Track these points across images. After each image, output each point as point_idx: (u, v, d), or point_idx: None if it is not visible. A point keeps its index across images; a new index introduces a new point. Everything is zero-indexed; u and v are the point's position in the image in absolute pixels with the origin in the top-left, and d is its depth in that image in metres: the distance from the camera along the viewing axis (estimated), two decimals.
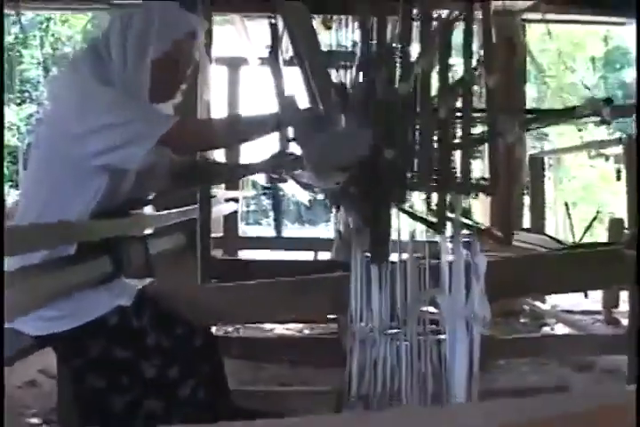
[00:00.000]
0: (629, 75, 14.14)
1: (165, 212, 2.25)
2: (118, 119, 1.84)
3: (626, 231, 4.71)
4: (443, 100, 1.43)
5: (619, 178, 3.26)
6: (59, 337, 1.86)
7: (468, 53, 1.41)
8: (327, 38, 5.66)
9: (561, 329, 4.86)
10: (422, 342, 1.97)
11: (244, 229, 7.31)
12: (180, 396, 1.95)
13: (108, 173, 1.91)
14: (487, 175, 1.50)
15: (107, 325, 1.88)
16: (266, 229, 11.74)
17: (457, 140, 1.47)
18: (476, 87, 1.52)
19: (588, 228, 4.62)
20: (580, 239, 4.61)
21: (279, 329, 4.64)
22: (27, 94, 13.34)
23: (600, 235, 6.45)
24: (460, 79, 1.46)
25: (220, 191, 5.21)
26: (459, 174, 1.51)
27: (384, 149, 1.55)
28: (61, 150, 1.88)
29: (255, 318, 2.95)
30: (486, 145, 1.47)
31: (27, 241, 1.33)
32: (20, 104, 13.21)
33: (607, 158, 13.06)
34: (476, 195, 1.45)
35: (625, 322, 4.89)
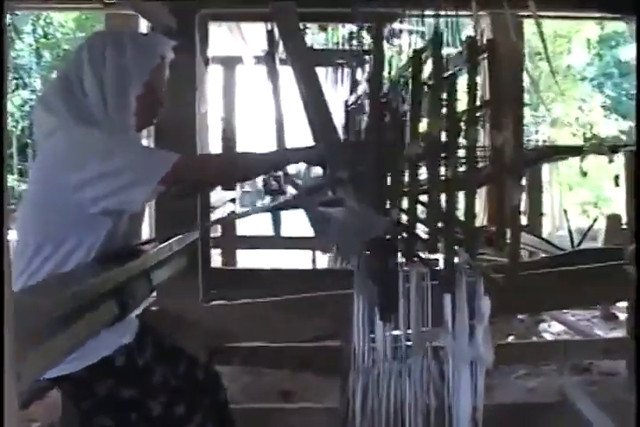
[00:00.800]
0: (624, 53, 13.99)
1: (167, 242, 2.24)
2: (115, 166, 1.80)
3: (623, 227, 4.75)
4: (451, 160, 1.44)
5: (617, 184, 3.26)
6: (65, 378, 1.85)
7: (472, 113, 1.41)
8: (322, 38, 5.67)
9: (558, 326, 4.90)
10: (426, 374, 1.98)
11: (240, 209, 7.29)
12: None
13: (109, 217, 1.88)
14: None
15: (112, 365, 1.88)
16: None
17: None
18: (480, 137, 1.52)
19: (587, 232, 4.64)
20: (579, 244, 4.62)
21: None
22: (20, 81, 13.22)
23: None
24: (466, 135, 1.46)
25: (217, 193, 5.21)
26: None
27: (394, 211, 1.55)
28: (58, 199, 1.83)
29: (257, 339, 2.96)
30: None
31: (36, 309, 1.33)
32: (13, 91, 13.11)
33: (601, 141, 13.09)
34: (482, 253, 1.46)
35: (622, 317, 4.94)
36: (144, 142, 2.53)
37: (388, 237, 1.59)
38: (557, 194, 12.44)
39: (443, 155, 1.47)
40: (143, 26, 3.88)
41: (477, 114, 1.49)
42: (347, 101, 3.31)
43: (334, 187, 1.85)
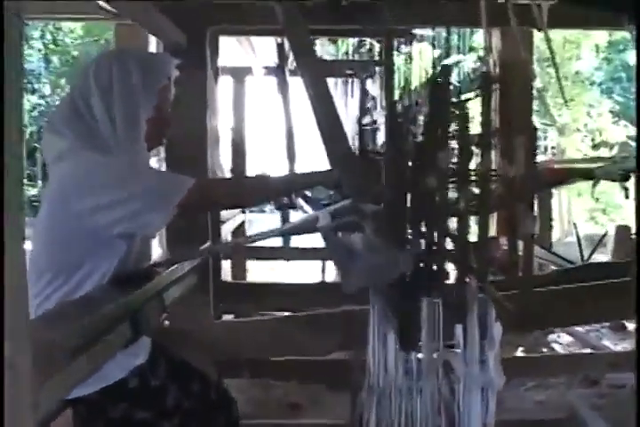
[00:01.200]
0: (633, 57, 13.95)
1: (179, 264, 2.25)
2: (130, 192, 1.81)
3: (632, 237, 4.76)
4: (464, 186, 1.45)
5: (627, 196, 3.25)
6: (78, 401, 1.86)
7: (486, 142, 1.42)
8: (332, 48, 5.69)
9: (567, 337, 4.90)
10: (437, 394, 1.99)
11: (249, 218, 7.30)
12: None
13: (124, 241, 1.88)
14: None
15: (125, 387, 1.89)
16: (270, 217, 11.67)
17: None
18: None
19: (597, 246, 4.64)
20: (589, 258, 4.62)
21: None
22: (29, 86, 13.29)
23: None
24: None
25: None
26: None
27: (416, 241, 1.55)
28: (71, 224, 1.82)
29: (269, 356, 2.96)
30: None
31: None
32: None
33: (611, 147, 13.07)
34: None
35: (631, 327, 4.94)
36: (154, 160, 2.54)
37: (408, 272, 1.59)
38: (566, 200, 12.45)
39: (453, 180, 1.48)
40: (153, 37, 3.90)
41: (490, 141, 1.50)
42: (360, 119, 3.32)
43: (353, 214, 1.84)
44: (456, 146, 1.54)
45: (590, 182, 2.58)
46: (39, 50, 13.44)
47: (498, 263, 1.63)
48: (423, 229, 1.55)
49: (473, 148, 1.51)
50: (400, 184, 1.57)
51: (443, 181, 1.49)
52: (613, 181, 1.62)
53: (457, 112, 1.54)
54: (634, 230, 4.57)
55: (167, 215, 1.84)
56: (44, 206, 1.91)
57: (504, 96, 1.41)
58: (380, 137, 2.52)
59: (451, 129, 1.54)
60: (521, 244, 1.56)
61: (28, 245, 1.08)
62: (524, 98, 3.55)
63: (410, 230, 1.59)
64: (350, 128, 4.09)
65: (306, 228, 1.95)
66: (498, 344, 1.79)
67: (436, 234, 1.53)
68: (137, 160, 1.93)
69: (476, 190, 1.52)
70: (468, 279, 1.60)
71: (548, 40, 3.08)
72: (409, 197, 1.61)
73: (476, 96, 1.52)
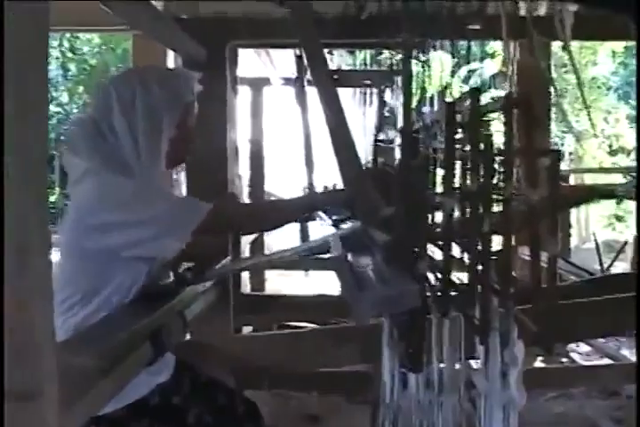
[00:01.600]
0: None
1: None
2: (148, 215, 1.81)
3: None
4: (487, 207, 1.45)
5: None
6: (101, 418, 1.84)
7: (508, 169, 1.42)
8: (350, 59, 5.69)
9: (586, 347, 4.88)
10: (458, 409, 1.98)
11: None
12: None
13: (144, 261, 1.89)
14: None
15: (147, 404, 1.89)
16: (288, 227, 11.66)
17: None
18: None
19: (616, 257, 4.62)
20: (608, 268, 4.61)
21: None
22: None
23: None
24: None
25: None
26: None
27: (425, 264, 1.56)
28: (90, 243, 1.83)
29: (289, 369, 2.97)
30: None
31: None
32: None
33: (629, 154, 13.01)
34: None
35: None
36: (174, 176, 2.55)
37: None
38: (583, 206, 12.36)
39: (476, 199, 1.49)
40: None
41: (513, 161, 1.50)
42: (376, 135, 3.32)
43: (364, 238, 1.84)
44: (479, 166, 1.54)
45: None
46: (57, 58, 13.52)
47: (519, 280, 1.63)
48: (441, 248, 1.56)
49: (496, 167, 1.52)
50: (414, 207, 1.58)
51: (462, 200, 1.50)
52: (631, 199, 1.61)
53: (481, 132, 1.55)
54: None
55: (183, 240, 1.84)
56: (65, 222, 1.92)
57: (525, 116, 1.41)
58: (396, 154, 2.52)
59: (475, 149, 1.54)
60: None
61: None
62: (543, 114, 3.55)
63: (424, 251, 1.60)
64: (367, 140, 4.10)
65: (322, 249, 1.96)
66: (520, 363, 1.79)
67: (459, 254, 1.54)
68: (156, 182, 1.93)
69: (499, 210, 1.53)
70: (491, 299, 1.60)
71: (570, 54, 3.09)
72: (427, 216, 1.62)
73: (499, 117, 1.52)
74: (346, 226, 2.15)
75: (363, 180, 1.93)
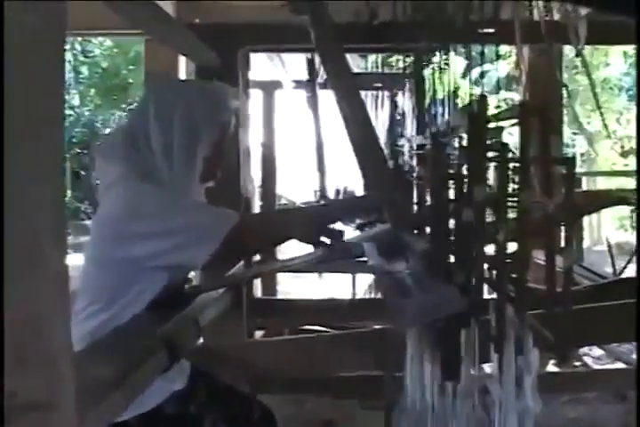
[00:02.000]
0: None
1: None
2: (178, 224, 1.80)
3: None
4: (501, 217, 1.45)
5: None
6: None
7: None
8: (362, 61, 5.70)
9: (599, 350, 4.86)
10: (472, 416, 1.98)
11: None
12: None
13: (168, 271, 1.89)
14: None
15: (162, 413, 1.89)
16: None
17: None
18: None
19: (629, 261, 4.61)
20: (621, 272, 4.59)
21: None
22: None
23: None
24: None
25: None
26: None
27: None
28: (116, 251, 1.83)
29: (303, 374, 2.97)
30: None
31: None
32: None
33: None
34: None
35: None
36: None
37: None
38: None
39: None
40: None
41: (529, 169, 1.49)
42: (394, 140, 3.30)
43: (397, 243, 1.83)
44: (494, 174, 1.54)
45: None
46: (69, 61, 13.56)
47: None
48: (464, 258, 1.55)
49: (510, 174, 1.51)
50: (446, 215, 1.57)
51: (482, 211, 1.50)
52: None
53: (494, 140, 1.54)
54: None
55: (211, 250, 1.81)
56: (93, 230, 1.92)
57: (541, 124, 1.40)
58: (412, 159, 2.50)
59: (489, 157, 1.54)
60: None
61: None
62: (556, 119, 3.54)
63: (453, 261, 1.59)
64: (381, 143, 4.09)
65: (340, 256, 1.93)
66: (535, 370, 1.78)
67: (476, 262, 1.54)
68: (187, 195, 1.92)
69: (514, 218, 1.53)
70: (506, 306, 1.60)
71: (583, 58, 3.08)
72: (452, 226, 1.61)
73: (513, 125, 1.52)
74: (371, 230, 2.13)
75: (392, 182, 1.93)
